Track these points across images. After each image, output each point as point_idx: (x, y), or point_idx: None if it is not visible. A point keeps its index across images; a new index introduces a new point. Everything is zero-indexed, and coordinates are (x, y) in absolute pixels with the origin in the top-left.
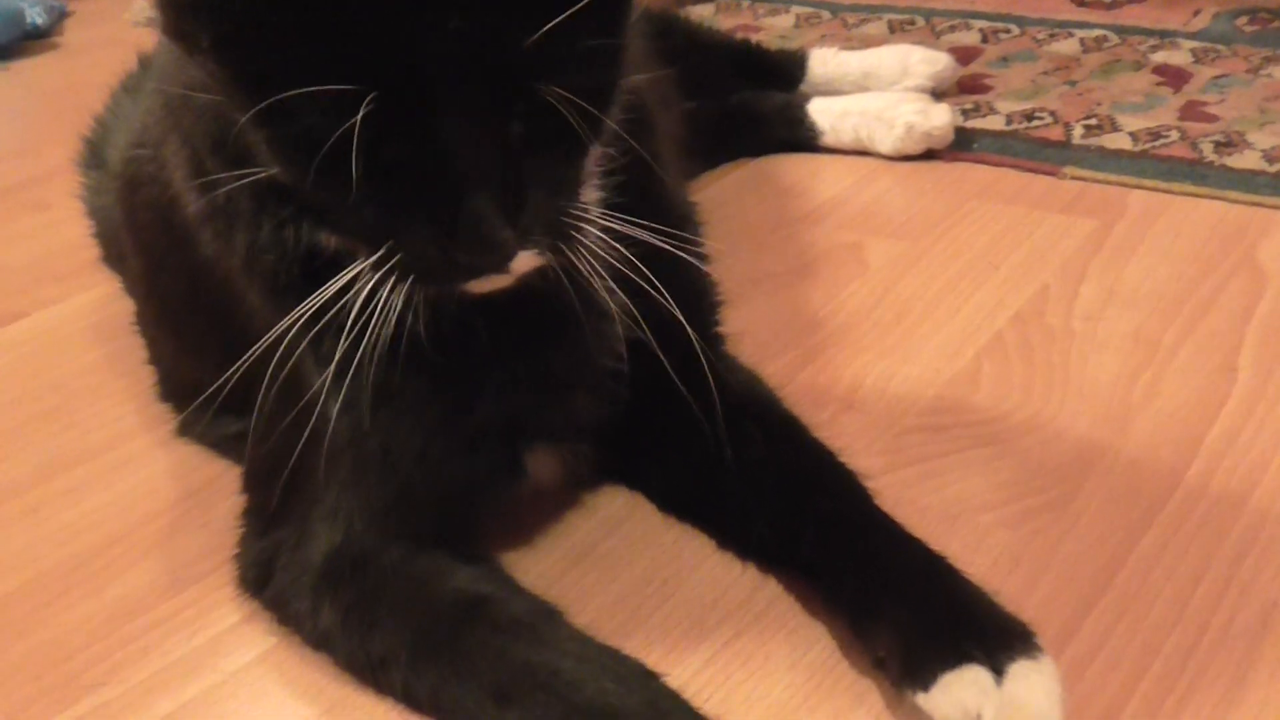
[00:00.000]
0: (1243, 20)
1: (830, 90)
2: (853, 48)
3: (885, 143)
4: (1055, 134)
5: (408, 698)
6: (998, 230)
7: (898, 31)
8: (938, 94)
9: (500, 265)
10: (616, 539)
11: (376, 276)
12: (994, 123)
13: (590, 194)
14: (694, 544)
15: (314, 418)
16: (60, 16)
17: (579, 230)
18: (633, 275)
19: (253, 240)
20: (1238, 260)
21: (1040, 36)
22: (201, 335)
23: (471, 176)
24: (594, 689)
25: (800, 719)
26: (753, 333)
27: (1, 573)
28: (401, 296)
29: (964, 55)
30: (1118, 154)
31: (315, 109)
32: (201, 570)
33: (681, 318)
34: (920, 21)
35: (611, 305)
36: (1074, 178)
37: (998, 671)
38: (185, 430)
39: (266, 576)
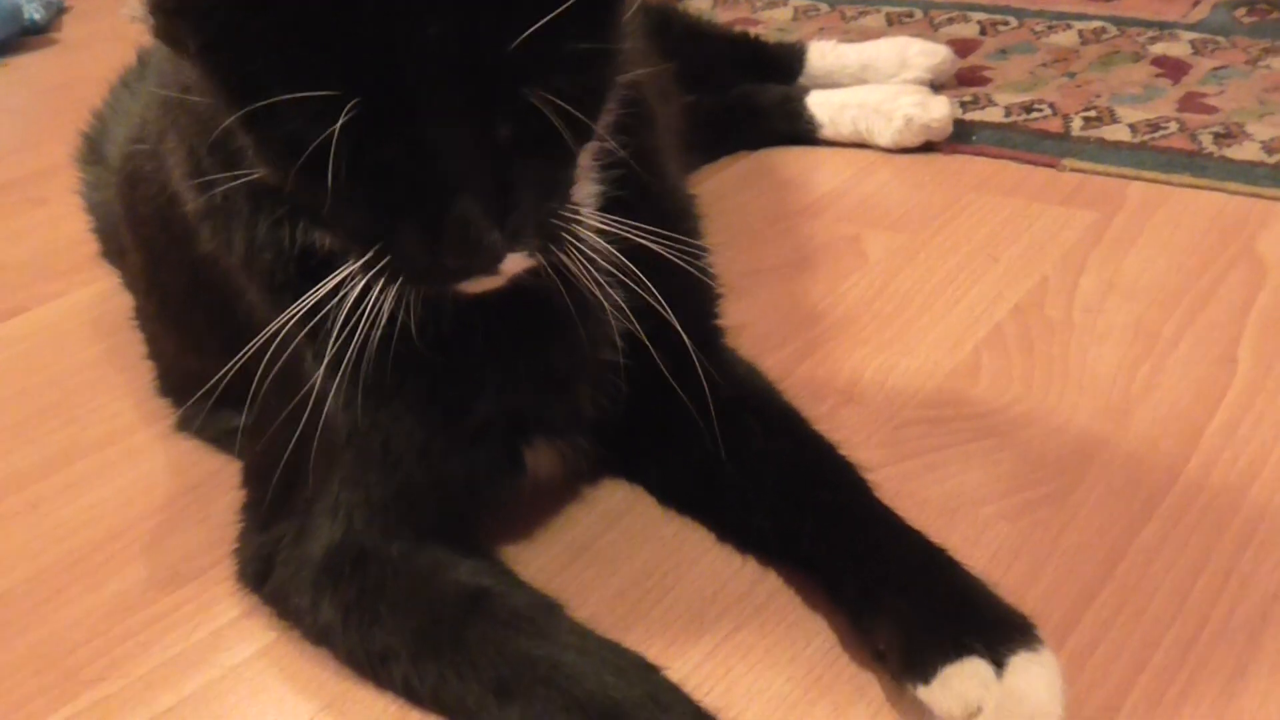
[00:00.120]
0: (1241, 11)
1: (829, 83)
2: (851, 40)
3: (884, 135)
4: (1054, 126)
5: (408, 692)
6: (997, 222)
7: (896, 24)
8: (936, 86)
9: (489, 267)
10: (617, 533)
11: (367, 278)
12: (993, 115)
13: (588, 188)
14: (694, 537)
15: (313, 414)
16: (58, 12)
17: (570, 231)
18: (629, 272)
19: (250, 239)
20: (1237, 251)
21: (1039, 28)
22: (201, 330)
23: (458, 179)
24: (595, 682)
25: (801, 712)
26: (752, 325)
27: (2, 568)
28: (391, 297)
29: (962, 47)
30: (1117, 146)
31: (299, 114)
32: (201, 565)
33: (672, 317)
34: (918, 14)
35: (606, 302)
36: (1073, 170)
37: (998, 664)
38: (184, 425)
39: (266, 571)
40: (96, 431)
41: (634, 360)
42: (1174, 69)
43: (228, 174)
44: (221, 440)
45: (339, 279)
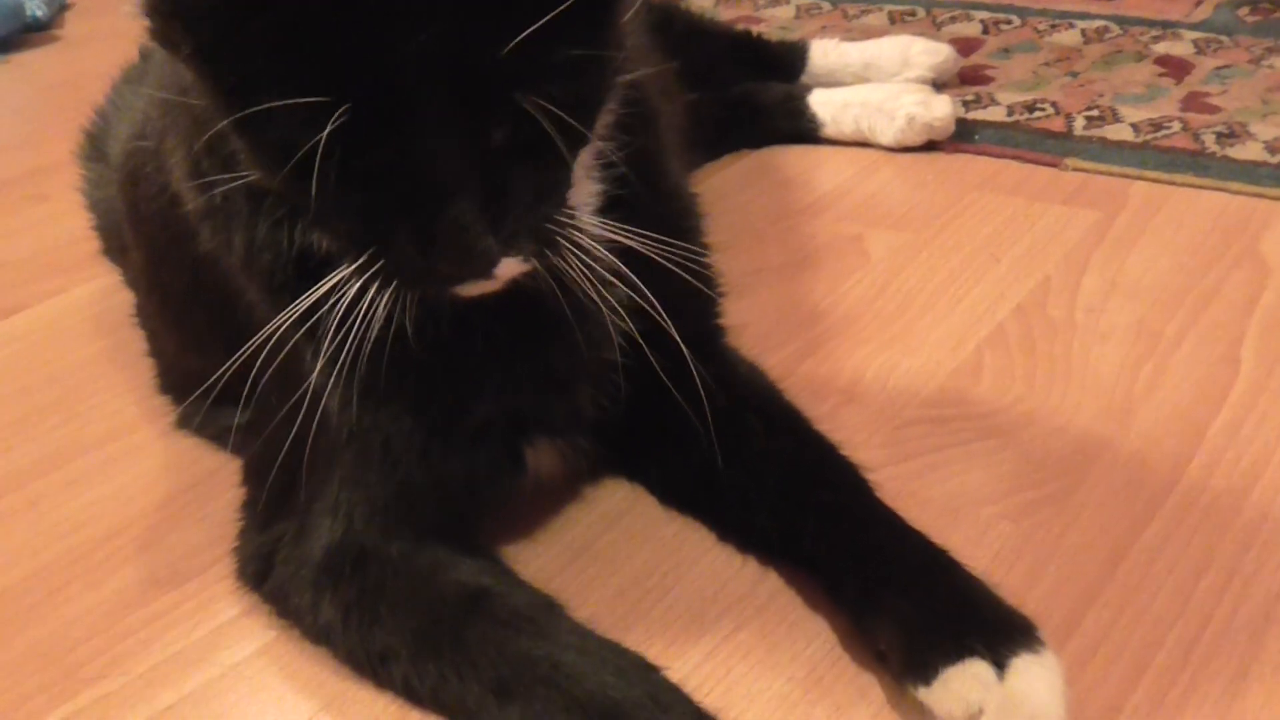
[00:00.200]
0: (1244, 11)
1: (831, 81)
2: (853, 39)
3: (886, 134)
4: (1057, 125)
5: (408, 692)
6: (999, 222)
7: (898, 22)
8: (939, 85)
9: (483, 272)
10: (617, 532)
11: (361, 281)
12: (995, 114)
13: (588, 187)
14: (695, 537)
15: (314, 413)
16: (60, 8)
17: (565, 235)
18: (629, 272)
19: (249, 239)
20: (1240, 251)
21: (1041, 27)
22: (202, 328)
23: (450, 185)
24: (595, 682)
25: (801, 713)
26: (753, 325)
27: (2, 565)
28: (385, 300)
29: (965, 46)
30: (1120, 145)
31: (290, 119)
32: (201, 563)
33: (667, 322)
34: (921, 12)
35: (603, 305)
36: (1076, 169)
37: (1000, 665)
38: (185, 423)
39: (266, 570)
40: (97, 429)
41: (635, 360)
42: (1177, 68)
43: (226, 175)
44: (222, 438)
45: (334, 281)
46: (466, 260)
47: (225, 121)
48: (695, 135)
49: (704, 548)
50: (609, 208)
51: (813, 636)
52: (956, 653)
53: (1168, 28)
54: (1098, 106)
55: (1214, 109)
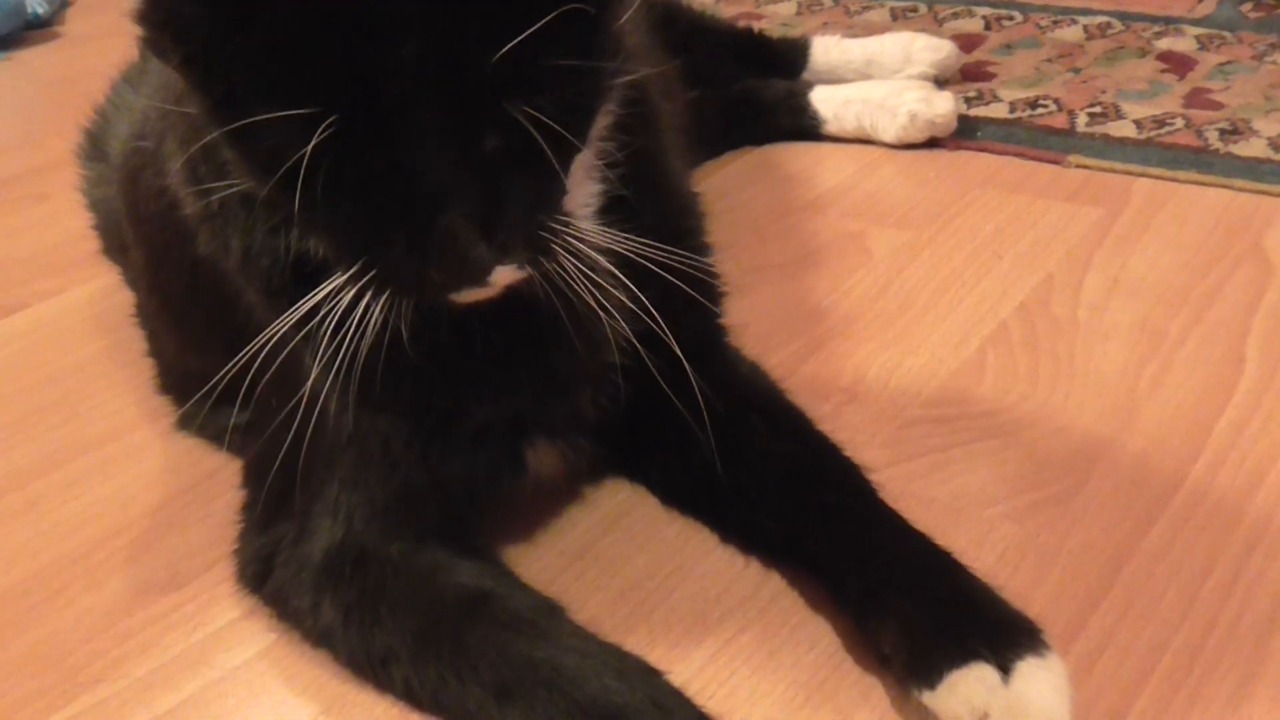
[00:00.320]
0: (1248, 6)
1: (833, 78)
2: (855, 35)
3: (888, 131)
4: (1059, 122)
5: (409, 695)
6: (1002, 219)
7: (900, 19)
8: (941, 82)
9: (477, 280)
10: (618, 534)
11: (354, 290)
12: (997, 110)
13: (589, 188)
14: (697, 539)
15: (313, 415)
16: (61, 6)
17: (561, 242)
18: (627, 276)
19: (247, 244)
20: (1244, 249)
21: (1043, 23)
22: (202, 329)
23: (441, 194)
24: (596, 686)
25: (804, 717)
26: (755, 324)
27: (1, 566)
28: (380, 307)
29: (967, 42)
30: (1122, 142)
31: (279, 131)
32: (201, 565)
33: (664, 327)
34: (923, 8)
35: (608, 304)
36: (1078, 166)
37: (1004, 669)
38: (185, 423)
39: (266, 572)
40: (96, 429)
41: (635, 361)
42: (1180, 64)
43: (222, 183)
44: (222, 438)
45: (329, 289)
46: (460, 269)
47: (215, 133)
48: (697, 133)
49: (706, 549)
50: (610, 208)
51: (816, 639)
52: (961, 656)
53: (1170, 24)
54: (1100, 103)
55: (1217, 105)
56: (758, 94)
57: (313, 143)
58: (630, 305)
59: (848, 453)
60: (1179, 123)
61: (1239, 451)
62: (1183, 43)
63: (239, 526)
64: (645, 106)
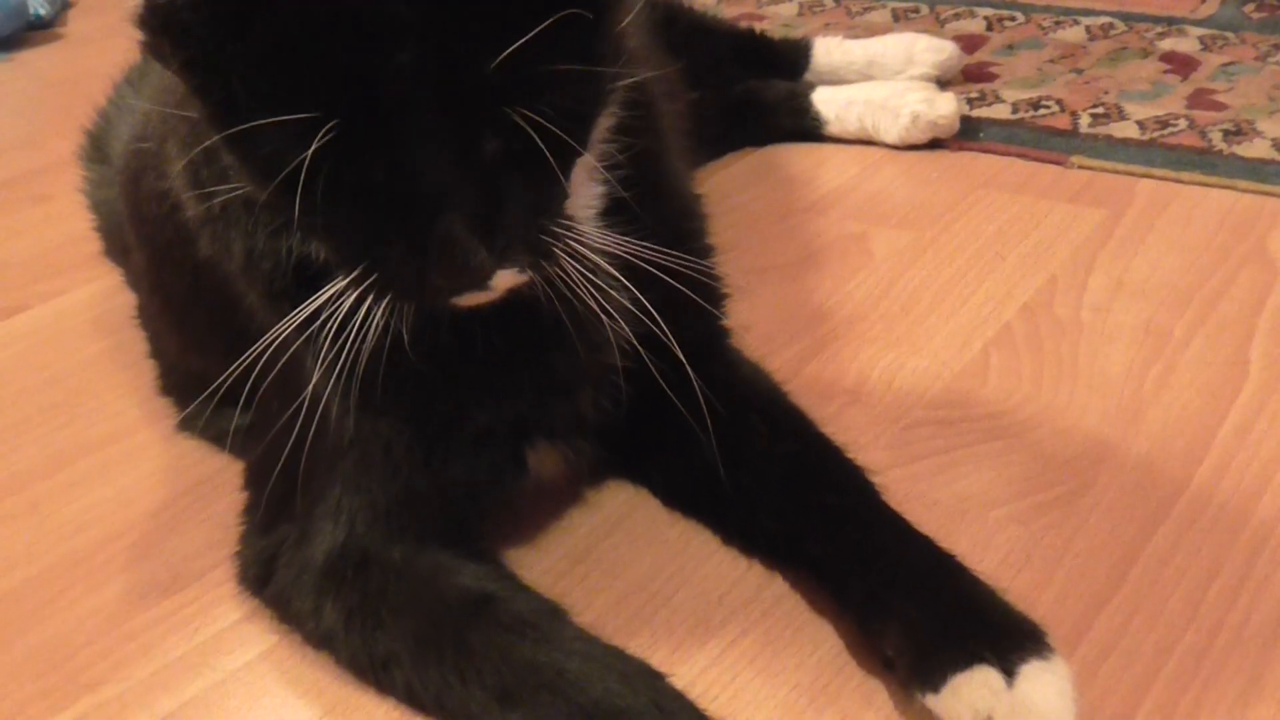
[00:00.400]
0: (1250, 7)
1: (835, 79)
2: (857, 36)
3: (890, 132)
4: (1062, 123)
5: (411, 698)
6: (1005, 220)
7: (902, 19)
8: (943, 83)
9: (477, 284)
10: (620, 536)
11: (356, 294)
12: (1000, 111)
13: (591, 189)
14: (699, 540)
15: (315, 418)
16: (63, 7)
17: (563, 245)
18: (629, 279)
19: (249, 248)
20: (1248, 250)
21: (1046, 24)
22: (204, 330)
23: (441, 198)
24: (599, 689)
25: None
26: (758, 325)
27: (2, 569)
28: (382, 311)
29: (969, 43)
30: (1125, 143)
31: (278, 136)
32: (202, 567)
33: (665, 330)
34: (924, 9)
35: (610, 306)
36: (1081, 167)
37: (1009, 672)
38: (187, 425)
39: (268, 574)
40: (98, 431)
41: (637, 363)
42: (1183, 65)
43: (224, 186)
44: (224, 440)
45: (331, 292)
46: (460, 273)
47: (215, 138)
48: (698, 134)
49: (708, 551)
50: (612, 210)
51: (819, 642)
52: (965, 659)
53: (1173, 24)
54: (1103, 104)
55: (1220, 106)
56: (759, 95)
57: (313, 147)
58: (631, 308)
59: (850, 455)
60: (1182, 123)
61: (1245, 453)
62: (1186, 43)
63: (241, 529)
64: (647, 108)
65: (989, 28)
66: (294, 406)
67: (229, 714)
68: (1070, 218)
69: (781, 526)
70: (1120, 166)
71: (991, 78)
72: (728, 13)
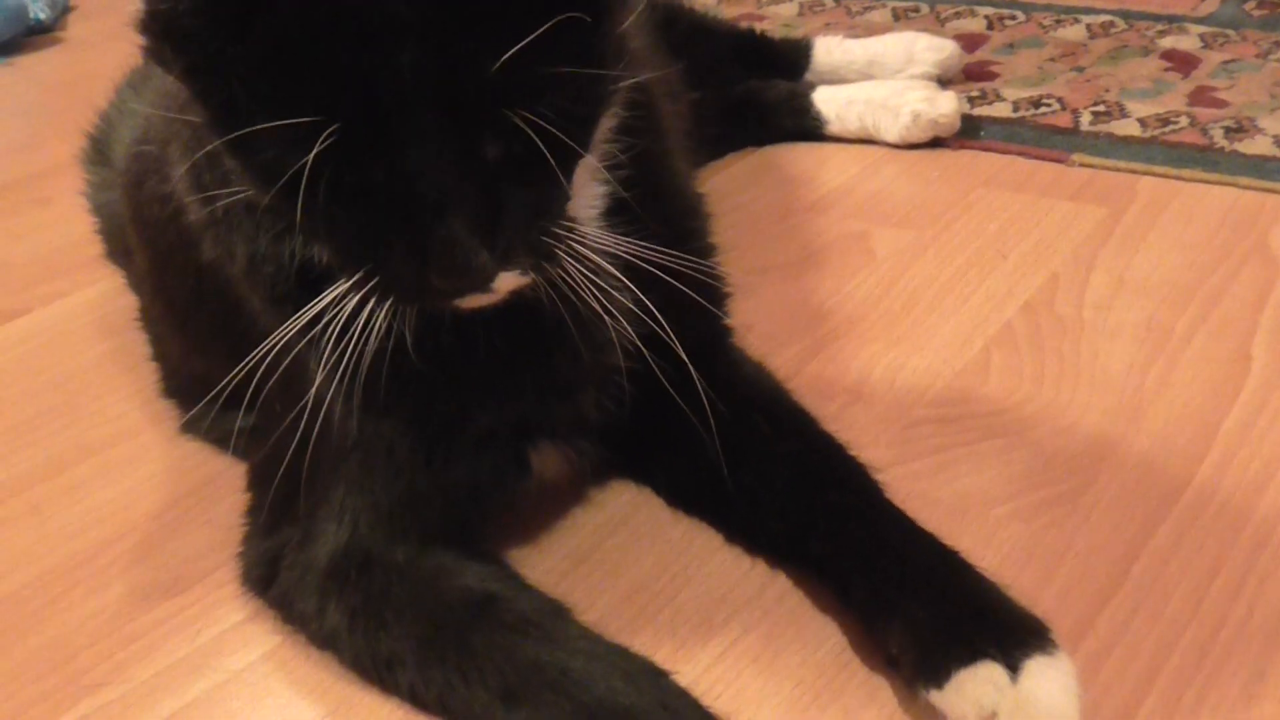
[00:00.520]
0: (1251, 4)
1: (835, 78)
2: (857, 35)
3: (891, 131)
4: (1063, 121)
5: (414, 698)
6: (1006, 218)
7: (902, 19)
8: (944, 81)
9: (479, 287)
10: (623, 535)
11: (357, 297)
12: (1001, 110)
13: (593, 190)
14: (702, 539)
15: (318, 420)
16: (63, 11)
17: (565, 247)
18: (632, 280)
19: (251, 251)
20: (1250, 247)
21: (1046, 22)
22: (206, 333)
23: (442, 201)
24: (603, 688)
25: (811, 717)
26: (759, 324)
27: (4, 571)
28: (384, 313)
29: (969, 42)
30: (1126, 140)
31: (280, 140)
32: (205, 568)
33: (668, 330)
34: (925, 8)
35: (612, 308)
36: (1082, 165)
37: (1012, 668)
38: (190, 428)
39: (271, 575)
40: (100, 433)
41: (640, 363)
42: (1183, 63)
43: (226, 190)
44: (227, 442)
45: (333, 295)
46: (462, 275)
47: (217, 142)
48: (699, 134)
49: (711, 550)
50: (614, 210)
51: (822, 639)
52: (969, 655)
53: (1174, 22)
54: (1104, 102)
55: (1222, 103)
56: (760, 95)
57: (314, 151)
58: (634, 308)
59: (853, 452)
60: (1183, 121)
61: (1247, 450)
62: (1186, 41)
63: (244, 530)
64: (648, 109)
65: (989, 26)
66: (297, 409)
67: (232, 715)
68: (1071, 216)
69: (785, 525)
70: (1121, 164)
71: (992, 76)
72: (728, 13)
